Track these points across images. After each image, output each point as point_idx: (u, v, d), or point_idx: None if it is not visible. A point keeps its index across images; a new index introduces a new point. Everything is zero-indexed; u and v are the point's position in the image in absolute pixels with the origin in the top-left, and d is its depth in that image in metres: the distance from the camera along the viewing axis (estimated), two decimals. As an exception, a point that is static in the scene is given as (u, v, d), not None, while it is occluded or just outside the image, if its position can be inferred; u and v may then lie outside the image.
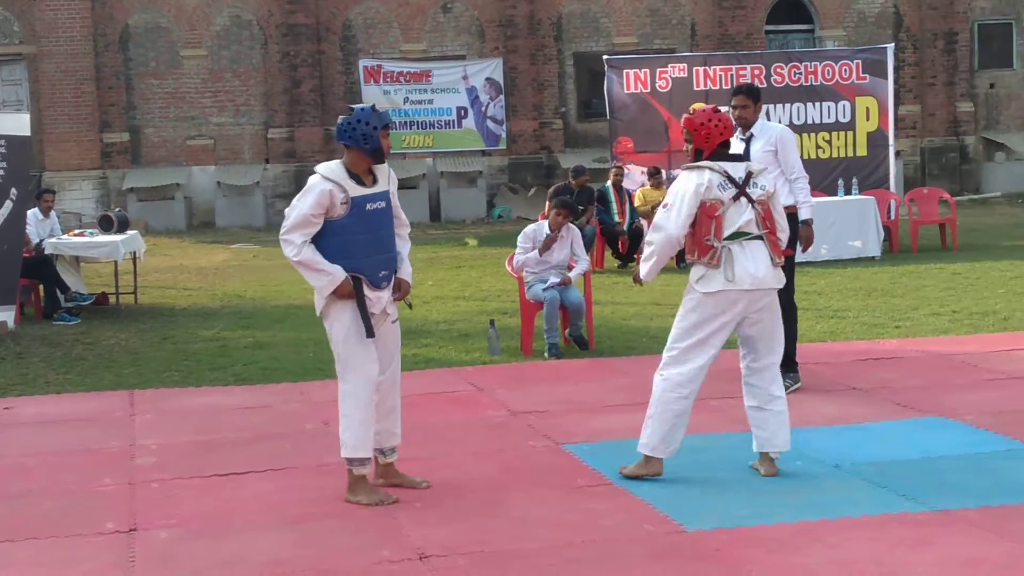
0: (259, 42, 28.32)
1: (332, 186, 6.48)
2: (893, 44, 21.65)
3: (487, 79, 28.68)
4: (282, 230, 6.59)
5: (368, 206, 6.56)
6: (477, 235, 24.07)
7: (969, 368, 9.69)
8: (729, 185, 6.70)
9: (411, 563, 5.59)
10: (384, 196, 6.67)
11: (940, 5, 29.66)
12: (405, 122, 28.34)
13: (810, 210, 9.21)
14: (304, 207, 6.49)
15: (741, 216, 6.69)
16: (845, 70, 19.47)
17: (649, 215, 17.97)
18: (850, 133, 19.47)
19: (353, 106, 6.79)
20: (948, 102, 29.55)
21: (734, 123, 7.23)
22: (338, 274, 6.50)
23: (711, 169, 6.72)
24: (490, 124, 28.85)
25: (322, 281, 6.53)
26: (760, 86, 18.81)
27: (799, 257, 9.23)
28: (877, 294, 13.84)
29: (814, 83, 19.44)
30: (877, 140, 19.40)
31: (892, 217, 18.61)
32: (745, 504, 6.33)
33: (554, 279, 11.14)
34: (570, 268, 11.35)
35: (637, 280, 7.06)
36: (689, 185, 6.70)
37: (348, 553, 5.76)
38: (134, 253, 15.16)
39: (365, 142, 6.52)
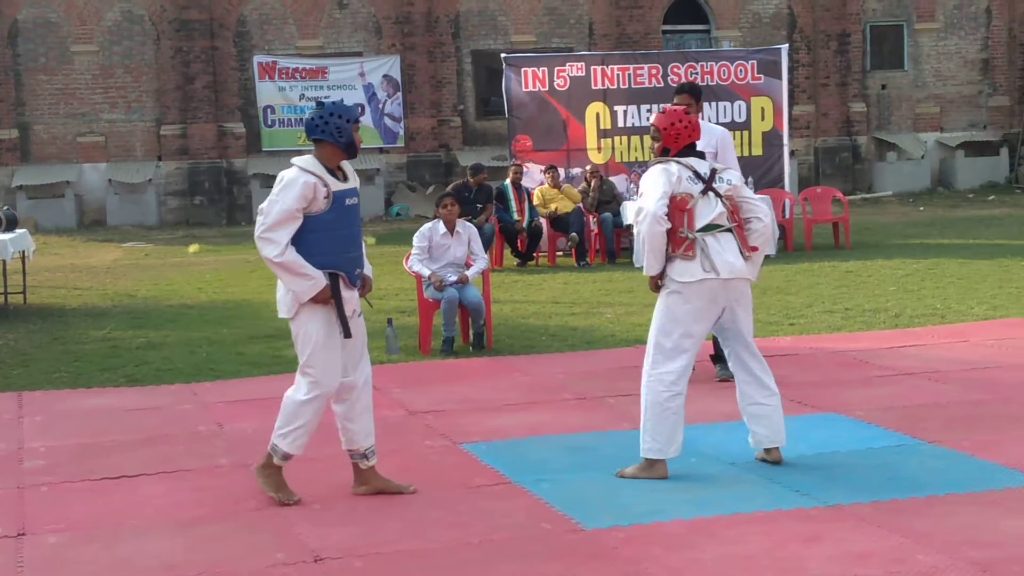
0: (151, 38, 27.89)
1: (314, 179, 6.31)
2: (787, 45, 21.89)
3: (384, 76, 28.55)
4: (260, 227, 6.32)
5: (347, 200, 6.45)
6: (375, 233, 23.93)
7: (861, 364, 9.82)
8: (697, 180, 6.80)
9: (306, 565, 5.52)
10: (356, 192, 6.57)
11: (833, 7, 30.10)
12: (301, 119, 28.02)
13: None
14: (288, 201, 6.26)
15: (711, 210, 6.79)
16: (740, 70, 19.64)
17: (547, 214, 18.03)
18: (745, 133, 19.62)
19: (323, 100, 6.65)
20: (841, 103, 30.00)
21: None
22: (320, 279, 6.33)
23: (679, 163, 6.81)
24: (388, 121, 28.72)
25: (303, 285, 6.32)
26: (657, 86, 19.07)
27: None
28: (772, 292, 13.98)
29: (710, 83, 19.56)
30: (772, 140, 19.61)
31: (787, 216, 18.85)
32: (642, 501, 6.35)
33: (452, 277, 11.10)
34: (468, 266, 11.32)
35: (654, 287, 6.95)
36: (659, 175, 6.79)
37: (242, 556, 5.68)
38: (23, 252, 14.82)
39: (340, 135, 6.39)
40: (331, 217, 6.36)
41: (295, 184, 6.28)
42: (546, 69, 19.41)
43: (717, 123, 19.47)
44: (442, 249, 11.22)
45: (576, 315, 13.02)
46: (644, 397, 6.89)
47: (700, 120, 9.16)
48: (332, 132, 6.38)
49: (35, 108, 27.32)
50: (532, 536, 5.86)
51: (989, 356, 10.00)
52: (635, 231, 6.93)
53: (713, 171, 6.89)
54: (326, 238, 6.36)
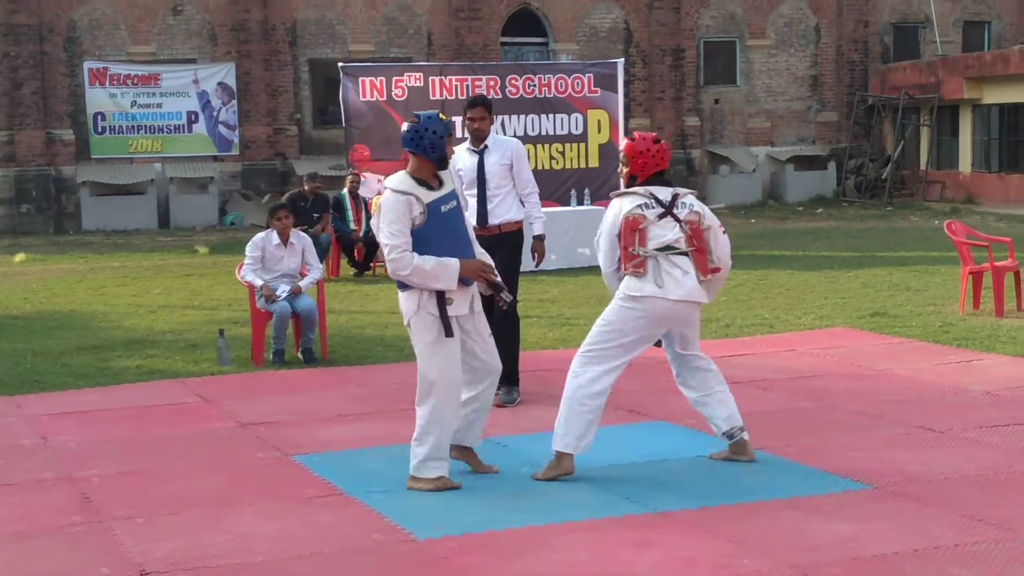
0: (-23, 42, 27.09)
1: (406, 197, 6.53)
2: (623, 59, 22.20)
3: (219, 83, 28.19)
4: (387, 253, 6.56)
5: (443, 208, 6.62)
6: (208, 242, 23.59)
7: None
8: (655, 204, 6.83)
9: (130, 581, 5.40)
10: (453, 196, 6.74)
11: (668, 22, 30.65)
12: (132, 126, 27.62)
13: (543, 225, 9.35)
14: (390, 222, 6.51)
15: (667, 233, 6.81)
16: (577, 83, 19.85)
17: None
18: (582, 145, 19.86)
19: (419, 113, 6.79)
20: (676, 116, 30.55)
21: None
22: (451, 262, 6.54)
23: (635, 194, 6.87)
24: (222, 129, 28.36)
25: (447, 273, 6.54)
26: (495, 97, 19.14)
27: (529, 267, 9.33)
28: (607, 301, 14.10)
29: (548, 95, 19.76)
30: (608, 152, 19.84)
31: (622, 227, 19.06)
32: (474, 511, 6.35)
33: (284, 287, 10.97)
34: (303, 276, 11.20)
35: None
36: (609, 216, 6.91)
37: (66, 571, 5.52)
38: None
39: (433, 151, 6.61)
40: (430, 229, 6.57)
41: (390, 207, 6.53)
42: (384, 79, 19.37)
43: (554, 135, 19.76)
44: (276, 259, 11.09)
45: (412, 325, 12.96)
46: (565, 391, 6.91)
47: (492, 132, 9.27)
48: (426, 147, 6.59)
49: None
50: (363, 547, 5.82)
51: (815, 365, 10.26)
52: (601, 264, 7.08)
53: (675, 196, 6.91)
54: (430, 249, 6.55)
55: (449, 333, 6.66)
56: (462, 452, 7.11)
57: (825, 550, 5.58)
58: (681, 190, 7.04)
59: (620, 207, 6.89)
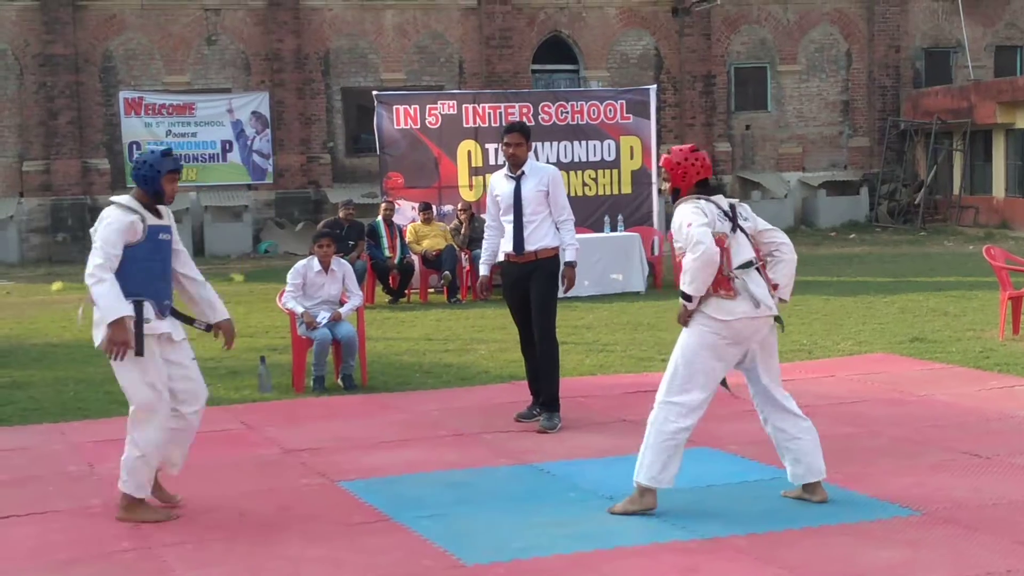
0: (14, 72, 27.37)
1: (132, 216, 6.74)
2: (655, 85, 22.25)
3: (253, 112, 28.39)
4: (93, 258, 6.68)
5: (160, 235, 6.85)
6: (243, 270, 23.71)
7: (733, 399, 9.89)
8: (725, 219, 6.68)
9: (184, 606, 5.43)
10: (169, 229, 6.96)
11: (699, 48, 30.71)
12: (168, 155, 27.75)
13: (575, 253, 9.32)
14: (109, 234, 6.68)
15: (742, 248, 6.68)
16: (610, 110, 19.91)
17: (420, 251, 18.01)
18: (615, 171, 19.90)
19: (152, 145, 6.91)
20: (707, 142, 30.56)
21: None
22: (121, 309, 6.62)
23: (708, 199, 6.68)
24: (256, 158, 28.53)
25: (111, 310, 6.61)
26: (529, 124, 19.19)
27: (560, 295, 9.35)
28: (643, 328, 14.15)
29: (580, 122, 19.83)
30: (641, 178, 19.89)
31: (656, 253, 19.11)
32: (521, 537, 6.35)
33: (325, 314, 11.03)
34: (343, 303, 11.26)
35: (685, 319, 6.75)
36: (692, 211, 6.62)
37: (117, 598, 5.56)
38: None
39: (146, 183, 6.84)
40: (144, 250, 6.77)
41: (113, 220, 6.74)
42: (418, 107, 19.47)
43: (587, 161, 19.82)
44: (316, 287, 11.15)
45: (450, 352, 13.02)
46: (651, 425, 6.75)
47: (530, 159, 9.29)
48: (140, 180, 6.86)
49: None
50: (413, 573, 5.84)
51: (856, 391, 10.23)
52: (684, 262, 6.63)
53: (733, 207, 6.77)
54: (139, 269, 6.75)
55: (139, 352, 6.72)
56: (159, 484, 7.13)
57: (876, 576, 5.58)
58: (733, 200, 6.89)
59: (704, 213, 6.58)
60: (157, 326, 6.80)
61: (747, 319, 6.61)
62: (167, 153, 6.90)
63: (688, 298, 6.65)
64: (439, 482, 7.60)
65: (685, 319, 6.76)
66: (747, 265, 6.68)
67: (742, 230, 6.73)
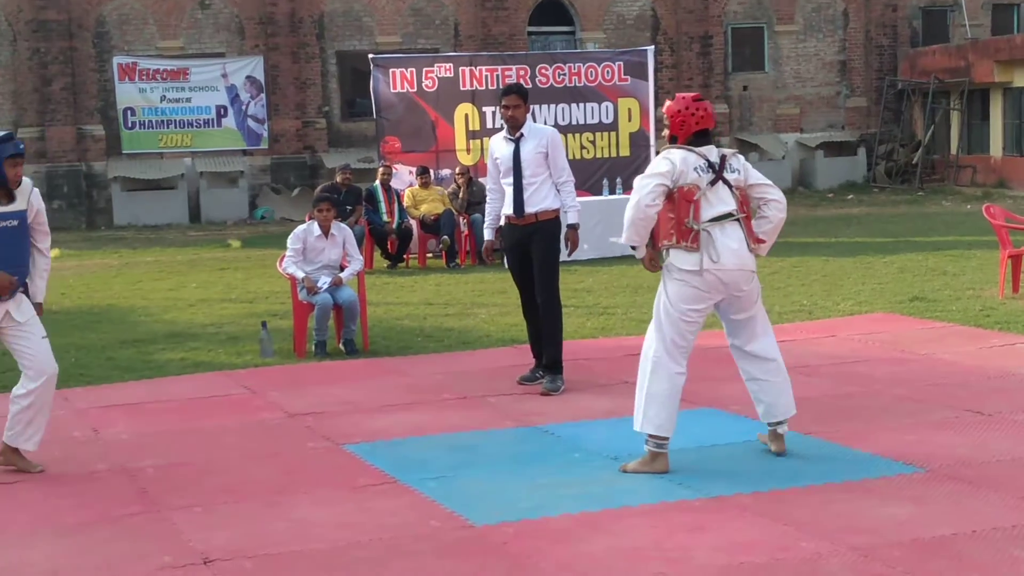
0: (7, 39, 27.25)
1: None
2: (653, 47, 22.17)
3: (248, 77, 28.28)
4: None
5: None
6: (240, 236, 23.68)
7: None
8: (707, 170, 6.68)
9: (195, 568, 5.45)
10: (18, 215, 7.07)
11: (696, 9, 30.59)
12: (162, 120, 27.73)
13: (577, 215, 9.31)
14: None
15: (720, 201, 6.69)
16: (607, 72, 19.86)
17: (418, 215, 17.99)
18: (613, 134, 19.87)
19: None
20: (703, 104, 30.41)
21: (701, 119, 6.86)
22: None
23: (687, 151, 6.69)
24: (251, 123, 28.45)
25: None
26: (526, 87, 19.12)
27: (563, 257, 9.35)
28: (644, 290, 14.15)
29: (578, 84, 19.77)
30: (639, 140, 19.87)
31: (654, 215, 19.06)
32: (528, 498, 6.38)
33: (325, 279, 11.03)
34: (343, 268, 11.25)
35: (648, 265, 6.94)
36: (659, 162, 6.68)
37: (128, 560, 5.58)
38: None
39: None
40: None
41: None
42: (414, 70, 19.40)
43: (584, 124, 19.77)
44: (317, 251, 11.15)
45: (450, 316, 13.03)
46: (641, 374, 6.84)
47: (528, 121, 9.26)
48: None
49: None
50: (421, 534, 5.86)
51: (856, 350, 10.25)
52: (625, 212, 6.77)
53: (723, 158, 6.77)
54: None
55: None
56: (8, 448, 7.25)
57: (883, 532, 5.60)
58: (727, 150, 6.89)
59: (674, 166, 6.63)
60: None
61: (716, 270, 6.67)
62: (7, 138, 7.00)
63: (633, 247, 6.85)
64: (444, 445, 7.62)
65: (647, 265, 6.96)
66: (723, 217, 6.70)
67: (726, 182, 6.73)
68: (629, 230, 6.74)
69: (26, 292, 7.19)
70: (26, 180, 7.15)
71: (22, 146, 7.12)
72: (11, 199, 7.05)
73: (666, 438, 6.79)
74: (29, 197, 7.15)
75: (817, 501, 6.14)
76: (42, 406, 7.20)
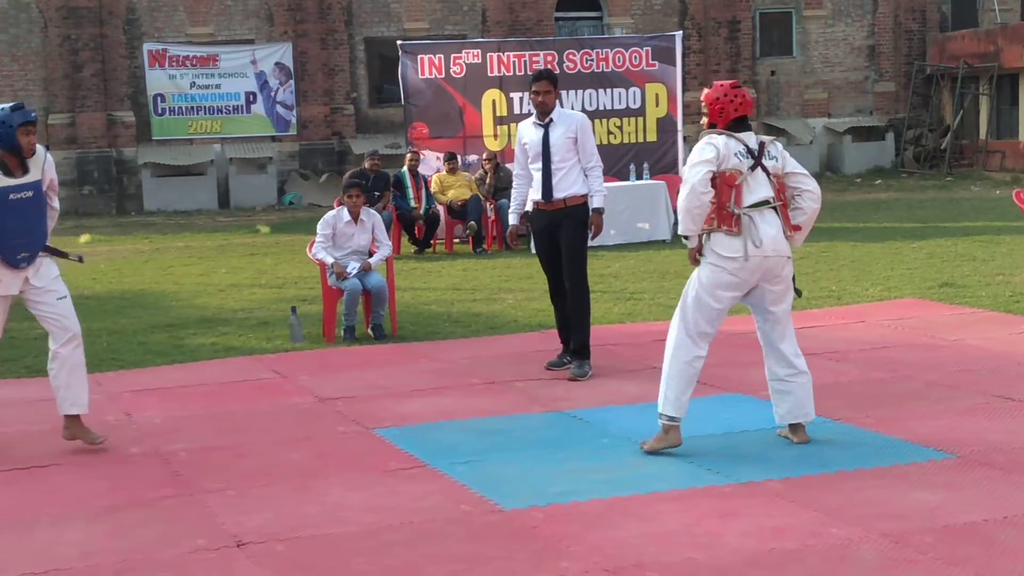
0: (38, 25, 27.37)
1: None
2: (681, 32, 22.11)
3: (276, 64, 28.34)
4: None
5: (11, 196, 7.07)
6: (268, 222, 23.77)
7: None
8: (747, 156, 6.72)
9: (229, 551, 5.49)
10: (32, 186, 7.17)
11: (723, -6, 30.47)
12: (192, 107, 27.83)
13: (603, 199, 9.31)
14: None
15: (759, 187, 6.72)
16: (635, 57, 19.82)
17: (445, 201, 18.02)
18: (640, 119, 19.83)
19: (1, 105, 7.19)
20: (730, 89, 30.30)
21: (737, 106, 6.88)
22: None
23: (728, 136, 6.72)
24: (280, 109, 28.51)
25: None
26: (554, 72, 19.11)
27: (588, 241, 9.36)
28: (671, 276, 14.15)
29: (605, 69, 19.74)
30: (666, 126, 19.83)
31: (681, 201, 19.03)
32: (557, 482, 6.40)
33: (355, 264, 11.07)
34: (372, 253, 11.29)
35: (693, 259, 6.94)
36: (702, 148, 6.70)
37: (163, 543, 5.63)
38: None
39: (1, 141, 7.00)
40: None
41: None
42: (442, 56, 19.42)
43: (612, 109, 19.75)
44: (346, 237, 11.20)
45: (477, 301, 13.06)
46: (669, 359, 6.89)
47: (557, 107, 9.27)
48: None
49: (-83, 96, 26.70)
50: (452, 518, 5.89)
51: (886, 336, 10.23)
52: (678, 202, 6.83)
53: (762, 145, 6.80)
54: None
55: None
56: (69, 421, 7.38)
57: (914, 518, 5.60)
58: (766, 138, 6.92)
59: (713, 153, 6.67)
60: (7, 286, 7.23)
61: (757, 257, 6.69)
62: (17, 107, 7.07)
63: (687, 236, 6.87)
64: (473, 429, 7.65)
65: (692, 258, 6.95)
66: (762, 204, 6.72)
67: (764, 169, 6.76)
68: (685, 219, 6.75)
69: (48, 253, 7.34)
70: (39, 148, 7.22)
71: (34, 115, 7.19)
72: (25, 170, 7.13)
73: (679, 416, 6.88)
74: (43, 166, 7.23)
75: (848, 487, 6.14)
76: (73, 367, 7.32)
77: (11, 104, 7.16)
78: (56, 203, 7.49)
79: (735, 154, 6.71)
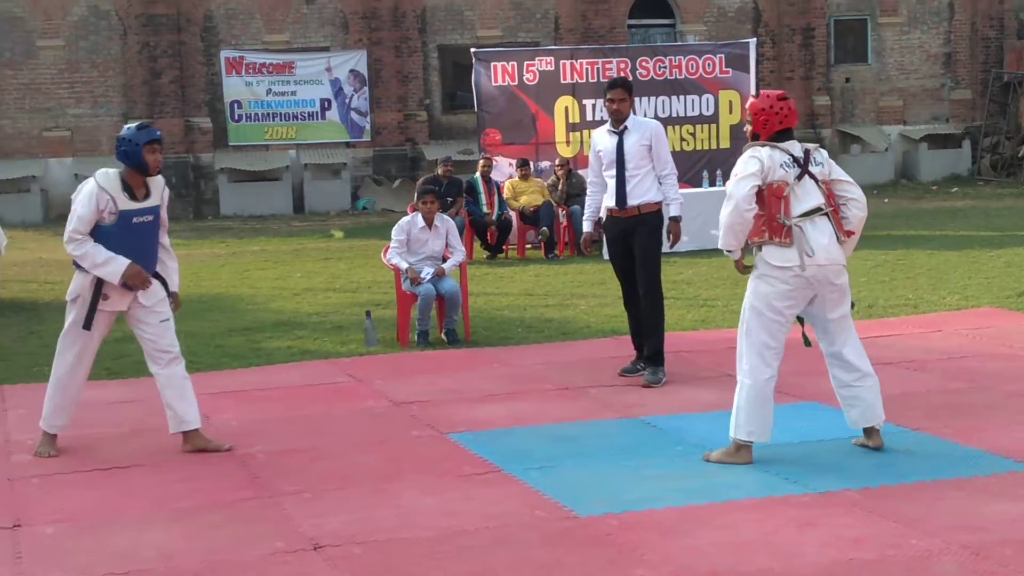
0: (118, 32, 27.74)
1: (104, 194, 7.08)
2: (755, 39, 22.01)
3: (351, 71, 28.50)
4: (67, 232, 7.10)
5: (135, 219, 7.16)
6: (343, 227, 23.92)
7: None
8: (793, 165, 6.70)
9: (306, 553, 5.55)
10: (153, 211, 7.27)
11: (797, 1, 30.24)
12: (267, 114, 28.05)
13: (679, 207, 9.32)
14: (80, 209, 7.07)
15: (808, 195, 6.71)
16: (708, 64, 19.76)
17: (518, 207, 18.06)
18: (713, 126, 19.77)
19: (128, 123, 7.32)
20: (805, 96, 30.13)
21: (781, 116, 6.86)
22: (121, 261, 7.06)
23: (772, 147, 6.71)
24: (354, 116, 28.67)
25: (113, 267, 7.05)
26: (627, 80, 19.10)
27: (664, 249, 9.35)
28: (743, 283, 13.93)
29: (678, 76, 19.70)
30: (739, 133, 19.68)
31: (755, 208, 18.94)
32: (632, 490, 6.40)
33: (428, 270, 11.12)
34: (445, 259, 11.34)
35: (740, 269, 6.98)
36: (746, 161, 6.68)
37: (241, 545, 5.69)
38: (-7, 247, 14.71)
39: (127, 159, 7.12)
40: (115, 231, 7.10)
41: (86, 194, 7.11)
42: (515, 63, 19.47)
43: (684, 116, 19.69)
44: (420, 243, 11.26)
45: (550, 307, 13.07)
46: (740, 385, 6.86)
47: (632, 114, 9.26)
48: (123, 156, 7.14)
49: (0, 103, 27.13)
50: (527, 524, 5.90)
51: (964, 345, 10.12)
52: (720, 215, 6.79)
53: (807, 152, 6.78)
54: (109, 248, 7.09)
55: (86, 326, 7.19)
56: (186, 436, 7.45)
57: (995, 530, 5.54)
58: (810, 145, 6.88)
59: (758, 165, 6.63)
60: (116, 303, 7.24)
61: (809, 267, 6.65)
62: (143, 126, 7.16)
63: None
64: (547, 435, 7.66)
65: (739, 268, 6.96)
66: (813, 212, 6.70)
67: (812, 176, 6.73)
68: (727, 235, 6.75)
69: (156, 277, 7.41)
70: (159, 177, 7.30)
71: (159, 132, 7.28)
72: (147, 193, 7.20)
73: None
74: (162, 192, 7.33)
75: (927, 498, 6.09)
76: (176, 387, 7.45)
77: (137, 123, 7.27)
78: (167, 240, 7.53)
79: (780, 165, 6.69)
